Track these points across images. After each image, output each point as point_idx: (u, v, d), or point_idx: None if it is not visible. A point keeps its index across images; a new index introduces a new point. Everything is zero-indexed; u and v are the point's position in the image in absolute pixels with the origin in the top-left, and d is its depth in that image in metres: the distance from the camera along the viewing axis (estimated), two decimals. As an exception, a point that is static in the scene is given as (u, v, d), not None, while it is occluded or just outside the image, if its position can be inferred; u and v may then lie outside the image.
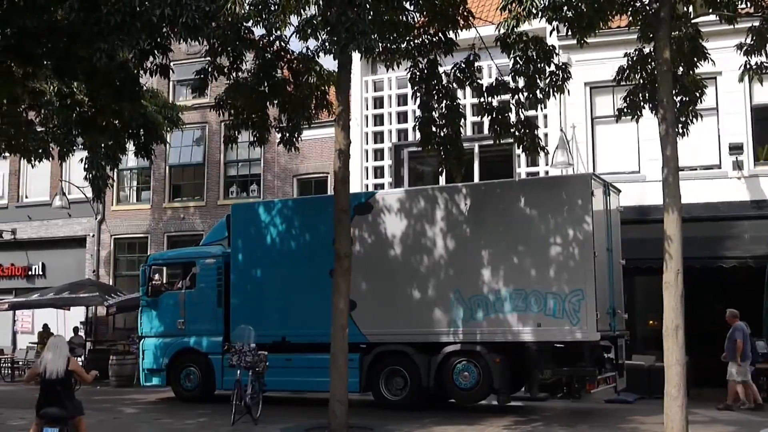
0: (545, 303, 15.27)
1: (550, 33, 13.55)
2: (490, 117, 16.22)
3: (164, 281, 21.48)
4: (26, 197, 30.93)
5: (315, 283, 16.98)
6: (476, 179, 23.17)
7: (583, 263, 15.07)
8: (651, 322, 20.43)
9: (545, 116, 21.61)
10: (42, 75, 16.07)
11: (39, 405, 9.95)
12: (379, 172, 24.92)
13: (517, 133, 16.06)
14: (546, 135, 16.47)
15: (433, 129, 16.32)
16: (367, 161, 24.93)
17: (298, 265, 17.69)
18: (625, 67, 14.62)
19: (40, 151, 19.09)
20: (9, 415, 16.37)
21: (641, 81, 14.44)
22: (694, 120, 14.62)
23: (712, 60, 14.33)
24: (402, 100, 24.54)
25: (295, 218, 18.17)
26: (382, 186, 24.09)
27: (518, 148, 16.82)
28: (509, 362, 15.95)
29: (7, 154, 21.64)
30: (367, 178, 24.75)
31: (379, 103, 25.20)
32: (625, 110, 14.86)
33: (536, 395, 16.49)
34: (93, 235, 29.15)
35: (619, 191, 17.58)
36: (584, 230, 15.16)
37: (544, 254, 15.43)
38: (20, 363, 26.53)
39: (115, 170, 24.80)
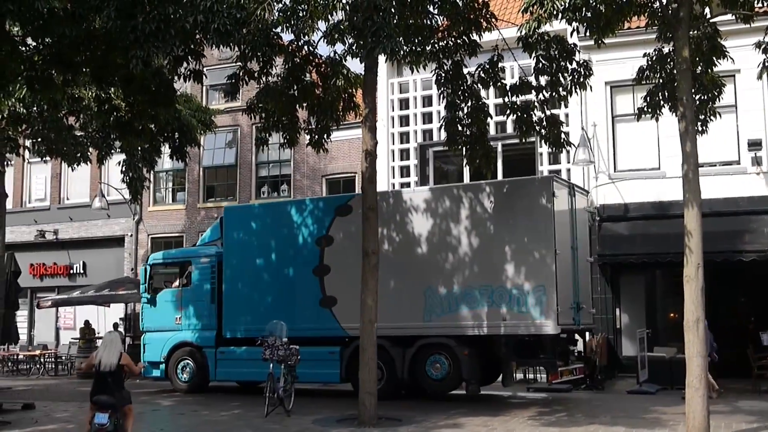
0: (510, 298, 15.68)
1: (571, 33, 13.45)
2: (514, 116, 16.15)
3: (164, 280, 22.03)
4: (67, 199, 31.25)
5: (299, 281, 17.97)
6: (500, 176, 23.12)
7: (545, 261, 15.45)
8: (672, 315, 20.30)
9: (566, 115, 21.49)
10: (81, 81, 16.21)
11: (92, 393, 10.57)
12: (405, 171, 24.91)
13: (542, 132, 15.99)
14: (567, 134, 16.34)
15: (459, 128, 16.28)
16: (393, 161, 24.93)
17: (283, 263, 18.34)
18: (645, 66, 14.49)
19: (79, 155, 19.31)
20: (53, 407, 16.57)
21: (661, 80, 14.31)
22: (714, 117, 14.47)
23: (731, 58, 14.17)
24: (427, 101, 24.52)
25: (283, 220, 18.71)
26: (408, 185, 24.09)
27: (543, 144, 16.73)
28: (478, 354, 16.45)
29: (48, 158, 21.89)
30: (394, 178, 24.75)
31: (404, 104, 25.19)
32: (646, 109, 14.73)
33: (510, 385, 17.02)
34: (131, 235, 29.40)
35: (587, 192, 18.22)
36: (546, 230, 15.59)
37: (509, 252, 15.84)
38: (63, 358, 26.81)
39: (152, 172, 25.01)
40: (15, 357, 26.68)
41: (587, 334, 18.19)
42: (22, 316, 29.34)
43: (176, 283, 20.39)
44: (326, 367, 17.45)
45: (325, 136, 16.48)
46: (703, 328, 11.57)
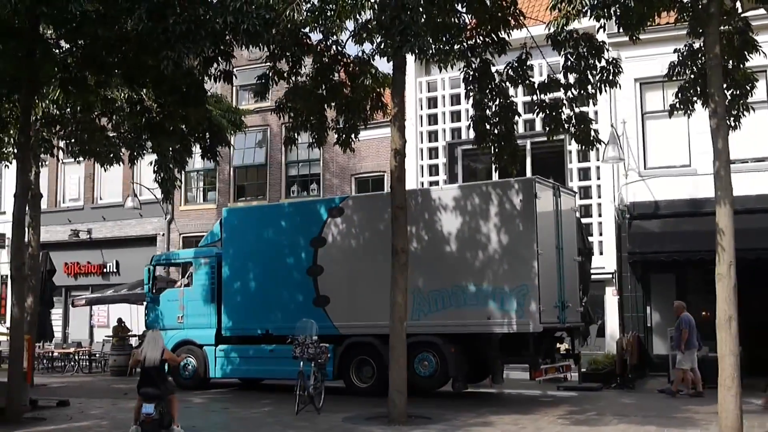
0: (494, 297, 15.94)
1: (599, 30, 13.35)
2: (543, 114, 16.05)
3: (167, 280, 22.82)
4: (100, 199, 31.55)
5: (294, 281, 18.45)
6: (529, 174, 23.00)
7: (527, 261, 15.75)
8: (704, 313, 20.05)
9: (596, 112, 21.30)
10: (113, 83, 16.38)
11: (139, 385, 11.77)
12: (433, 169, 24.86)
13: (571, 129, 15.87)
14: (597, 131, 16.21)
15: (487, 127, 16.20)
16: (422, 159, 24.89)
17: (279, 264, 18.76)
18: (676, 62, 14.32)
19: (112, 155, 19.49)
20: (87, 404, 16.74)
21: (692, 76, 14.13)
22: (746, 113, 14.25)
23: (763, 53, 13.95)
24: (455, 99, 24.44)
25: (279, 222, 19.22)
26: (437, 183, 24.04)
27: (572, 142, 16.64)
28: (464, 352, 16.71)
29: (82, 159, 22.11)
30: (422, 176, 24.71)
31: (433, 103, 25.13)
32: (677, 106, 14.56)
33: (500, 383, 17.15)
34: (163, 234, 29.62)
35: (575, 193, 18.59)
36: (528, 230, 15.91)
37: (493, 252, 16.10)
38: (96, 355, 27.10)
39: (183, 172, 25.19)
40: (50, 354, 27.00)
41: (628, 333, 17.99)
42: (56, 314, 29.76)
43: (178, 283, 21.08)
44: None
45: (353, 136, 16.51)
46: (736, 327, 11.41)
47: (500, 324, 15.88)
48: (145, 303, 21.65)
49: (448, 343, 16.68)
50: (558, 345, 17.83)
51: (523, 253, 15.83)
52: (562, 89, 15.68)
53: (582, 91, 15.33)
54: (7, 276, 28.52)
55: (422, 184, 24.03)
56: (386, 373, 16.73)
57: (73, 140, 19.46)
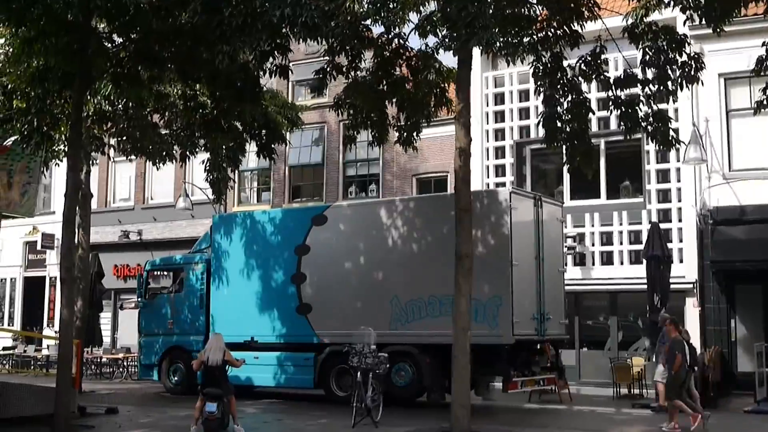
0: (470, 308, 15.81)
1: (684, 23, 13.17)
2: (618, 111, 15.87)
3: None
4: (151, 199, 32.18)
5: (278, 289, 19.51)
6: (603, 176, 22.83)
7: (502, 271, 16.53)
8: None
9: (676, 110, 20.99)
10: (166, 78, 16.68)
11: (202, 386, 13.42)
12: (500, 170, 24.77)
13: (649, 128, 15.66)
14: (677, 130, 15.97)
15: (558, 125, 16.08)
16: (488, 159, 24.81)
17: (265, 271, 19.86)
18: (764, 56, 14.04)
19: (164, 153, 19.85)
20: (137, 412, 17.11)
21: (782, 70, 13.85)
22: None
23: None
24: (524, 95, 24.31)
25: (265, 229, 20.18)
26: (503, 185, 23.95)
27: (650, 142, 16.41)
28: (439, 363, 17.01)
29: (133, 157, 22.57)
30: (488, 177, 24.64)
31: (500, 99, 25.04)
32: (765, 102, 14.27)
33: (483, 395, 18.09)
34: (215, 236, 30.00)
35: (561, 203, 19.26)
36: (502, 241, 16.73)
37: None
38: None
39: (236, 172, 25.56)
40: (98, 360, 27.57)
41: (710, 348, 17.67)
42: (105, 318, 30.37)
43: (169, 289, 22.23)
44: (301, 372, 19.07)
45: (415, 134, 16.55)
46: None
47: (474, 335, 15.62)
48: (138, 308, 22.90)
49: (423, 354, 17.49)
50: (538, 358, 18.22)
51: (498, 264, 16.58)
52: (639, 85, 15.48)
53: (661, 88, 15.11)
54: (56, 278, 29.33)
55: (488, 185, 23.98)
56: None
57: (124, 137, 19.86)
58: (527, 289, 17.17)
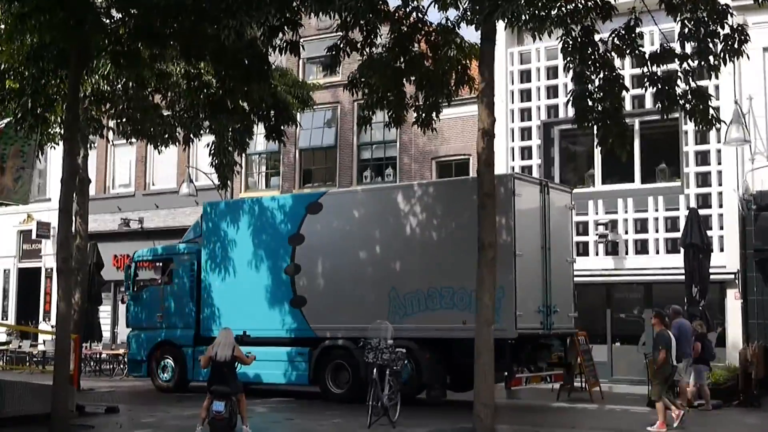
0: (470, 301, 16.08)
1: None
2: (654, 88, 15.76)
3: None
4: (153, 185, 32.28)
5: (271, 281, 19.70)
6: (637, 158, 22.71)
7: (504, 262, 15.92)
8: None
9: (717, 87, 20.83)
10: (169, 56, 16.70)
11: (209, 383, 13.27)
12: (526, 152, 24.69)
13: (687, 106, 15.54)
14: (718, 108, 15.86)
15: (589, 103, 15.97)
16: (512, 141, 24.75)
17: (258, 262, 20.07)
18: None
19: (166, 136, 19.90)
20: (138, 411, 17.21)
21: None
22: None
23: None
24: (552, 72, 24.22)
25: (258, 217, 20.38)
26: (529, 168, 23.90)
27: (689, 121, 16.29)
28: (439, 358, 17.67)
29: (133, 140, 22.64)
30: (513, 160, 24.58)
31: (526, 76, 24.94)
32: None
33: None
34: (221, 224, 30.10)
35: (570, 190, 19.47)
36: (504, 230, 16.57)
37: (469, 253, 16.22)
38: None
39: (243, 155, 25.58)
40: (98, 356, 27.72)
41: (753, 343, 17.83)
42: (105, 312, 30.57)
43: (158, 281, 22.51)
44: (295, 368, 19.31)
45: (434, 114, 16.50)
46: None
47: (472, 329, 15.56)
48: (126, 301, 23.17)
49: (423, 349, 17.66)
50: (546, 352, 18.32)
51: (501, 254, 16.15)
52: (677, 60, 15.35)
53: (701, 63, 14.98)
54: (52, 269, 29.53)
55: (513, 168, 23.91)
56: (360, 378, 18.02)
57: (124, 119, 19.93)
58: (532, 281, 17.24)
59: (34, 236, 33.16)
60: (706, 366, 17.79)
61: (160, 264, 22.88)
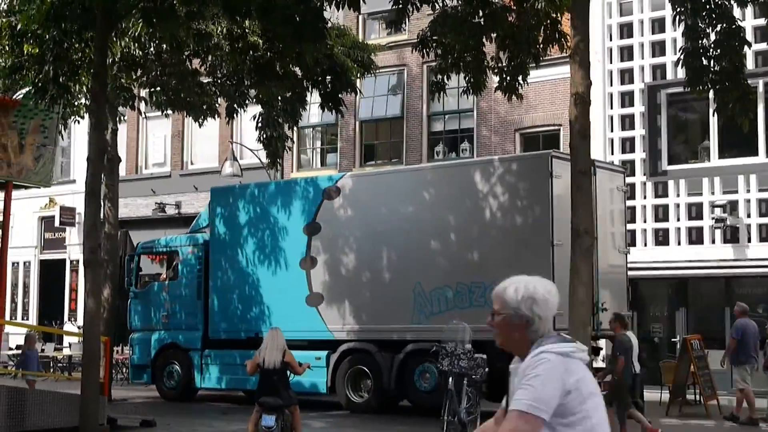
0: None
1: None
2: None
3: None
4: (191, 164, 32.55)
5: (286, 275, 19.97)
6: (761, 127, 22.28)
7: (540, 253, 16.64)
8: None
9: None
10: (209, 14, 16.79)
11: (258, 393, 13.12)
12: (627, 121, 24.43)
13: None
14: None
15: (704, 62, 15.76)
16: (611, 108, 24.50)
17: (271, 254, 20.32)
18: None
19: (206, 107, 20.08)
20: (177, 425, 17.47)
21: None
22: None
23: None
24: (659, 26, 23.91)
25: (271, 203, 20.65)
26: (631, 140, 23.65)
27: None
28: None
29: (169, 112, 22.88)
30: (612, 131, 24.34)
31: (627, 31, 24.65)
32: None
33: None
34: (270, 209, 30.37)
35: (624, 171, 19.55)
36: (541, 216, 16.94)
37: (504, 244, 16.92)
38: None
39: (295, 128, 25.72)
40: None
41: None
42: (138, 311, 31.00)
43: (163, 276, 22.63)
44: (311, 375, 18.50)
45: (520, 78, 16.42)
46: None
47: None
48: (128, 299, 23.19)
49: None
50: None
51: (536, 244, 16.85)
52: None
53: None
54: (78, 261, 30.06)
55: (612, 141, 23.66)
56: (383, 386, 18.45)
57: (158, 88, 20.18)
58: None
59: (57, 224, 33.65)
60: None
61: (165, 257, 23.18)
